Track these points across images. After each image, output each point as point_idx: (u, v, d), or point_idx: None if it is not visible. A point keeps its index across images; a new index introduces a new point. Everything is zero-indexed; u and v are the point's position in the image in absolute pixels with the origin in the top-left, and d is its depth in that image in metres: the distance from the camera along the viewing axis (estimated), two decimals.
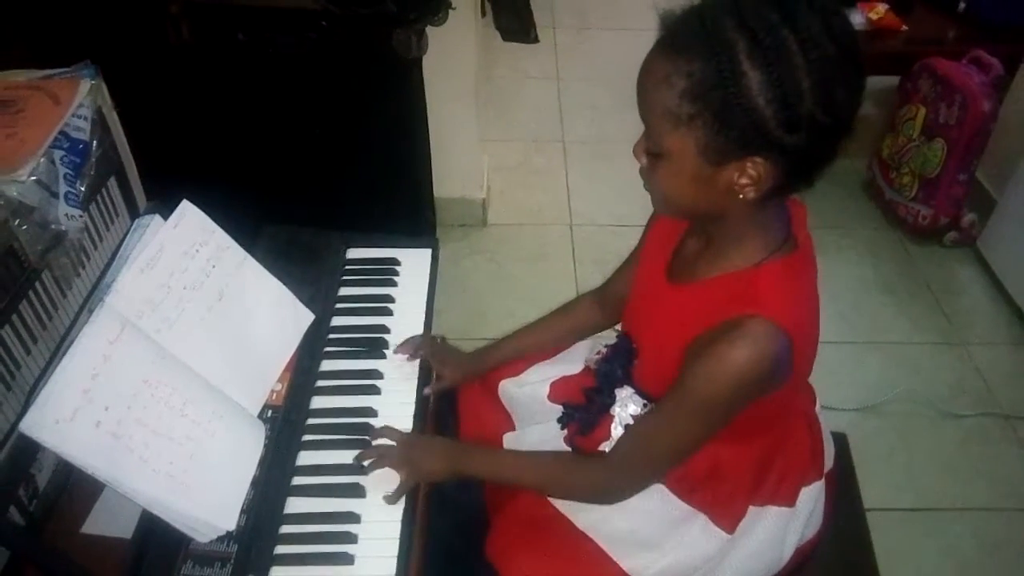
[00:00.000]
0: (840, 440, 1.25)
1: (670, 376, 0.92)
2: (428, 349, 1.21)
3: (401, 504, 1.00)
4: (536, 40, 2.32)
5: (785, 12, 0.76)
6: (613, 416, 1.07)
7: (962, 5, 2.60)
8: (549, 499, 1.09)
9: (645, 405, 1.05)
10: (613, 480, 1.00)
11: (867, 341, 2.25)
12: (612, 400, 1.08)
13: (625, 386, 1.07)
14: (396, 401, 1.14)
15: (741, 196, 0.83)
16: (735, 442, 1.00)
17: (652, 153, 0.86)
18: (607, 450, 1.07)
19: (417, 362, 1.19)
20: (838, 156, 0.84)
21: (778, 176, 0.81)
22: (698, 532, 1.04)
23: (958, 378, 2.15)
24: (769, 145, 0.78)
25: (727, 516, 1.04)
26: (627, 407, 1.06)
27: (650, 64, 0.82)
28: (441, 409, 1.24)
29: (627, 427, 1.06)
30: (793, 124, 0.77)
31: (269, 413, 1.07)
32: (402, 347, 1.20)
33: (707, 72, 0.76)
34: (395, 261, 1.34)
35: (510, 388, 1.23)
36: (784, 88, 0.75)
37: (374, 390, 1.14)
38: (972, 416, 2.04)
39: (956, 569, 1.75)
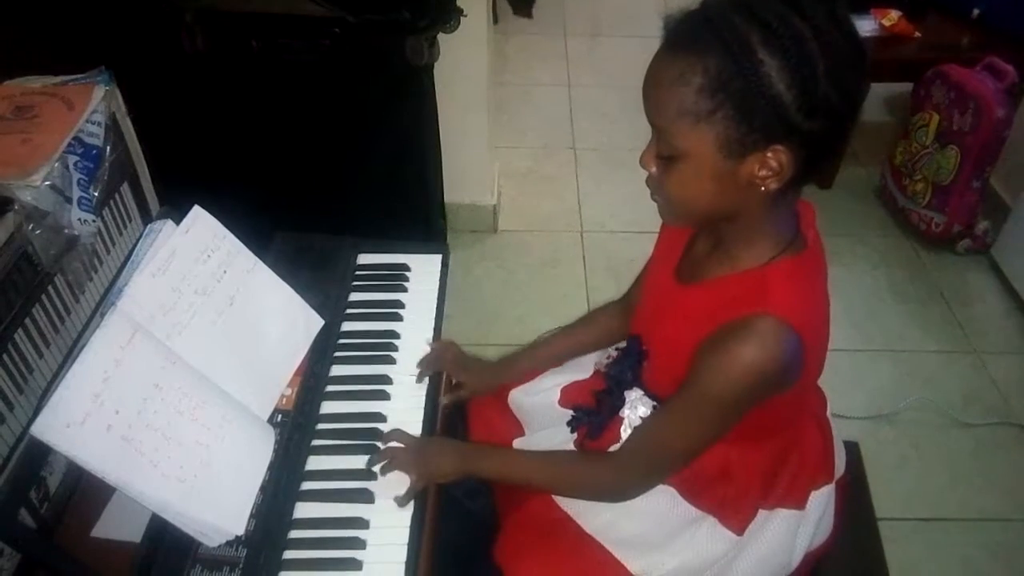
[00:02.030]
0: (852, 448, 1.24)
1: (680, 377, 0.92)
2: (449, 358, 1.21)
3: (409, 510, 1.00)
4: None
5: (792, 3, 0.77)
6: (623, 418, 1.07)
7: (976, 12, 2.59)
8: (558, 503, 1.08)
9: (655, 407, 1.05)
10: (621, 479, 1.00)
11: (880, 349, 2.24)
12: (622, 402, 1.07)
13: (635, 388, 1.07)
14: (406, 406, 1.14)
15: (763, 188, 0.83)
16: (745, 443, 1.00)
17: (665, 157, 0.86)
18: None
19: None
20: (846, 146, 0.84)
21: (797, 165, 0.82)
22: (706, 533, 1.03)
23: (971, 387, 2.13)
24: (789, 132, 0.79)
25: (736, 518, 1.03)
26: (637, 409, 1.06)
27: (659, 66, 0.82)
28: (451, 416, 1.24)
29: (635, 430, 1.05)
30: (812, 109, 0.78)
31: (279, 418, 1.07)
32: (421, 365, 1.19)
33: (724, 65, 0.77)
34: (405, 267, 1.34)
35: (519, 397, 1.23)
36: (803, 73, 0.76)
37: (384, 395, 1.14)
38: (985, 425, 2.02)
39: None
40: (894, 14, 2.58)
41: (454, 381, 1.23)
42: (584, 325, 1.27)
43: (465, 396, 1.23)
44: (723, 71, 0.77)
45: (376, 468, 1.03)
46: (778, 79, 0.76)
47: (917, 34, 2.58)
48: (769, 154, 0.81)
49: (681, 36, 0.81)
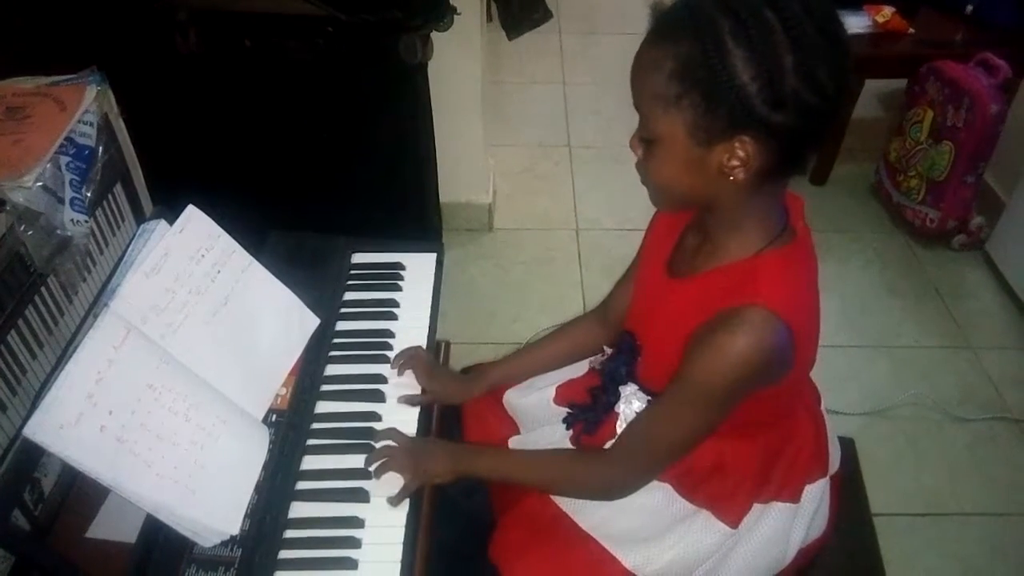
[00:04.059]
0: (847, 445, 1.24)
1: (673, 370, 0.93)
2: (417, 363, 1.18)
3: (405, 509, 1.00)
4: (549, 15, 2.28)
5: None
6: (618, 414, 1.07)
7: (969, 7, 2.59)
8: (553, 500, 1.09)
9: (649, 401, 1.05)
10: (616, 475, 1.01)
11: (875, 345, 2.24)
12: (616, 398, 1.08)
13: (629, 383, 1.07)
14: (400, 406, 1.13)
15: (732, 178, 0.84)
16: (739, 437, 1.01)
17: (646, 141, 0.88)
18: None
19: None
20: (824, 139, 0.85)
21: (767, 157, 0.82)
22: (701, 527, 1.04)
23: (967, 382, 2.14)
24: (756, 123, 0.80)
25: (731, 511, 1.03)
26: (631, 404, 1.06)
27: (641, 52, 0.85)
28: (446, 416, 1.24)
29: (629, 423, 1.06)
30: (778, 101, 0.78)
31: (273, 417, 1.07)
32: (396, 360, 1.18)
33: (693, 52, 0.79)
34: (400, 266, 1.34)
35: (514, 397, 1.23)
36: (767, 65, 0.77)
37: (378, 395, 1.14)
38: (981, 420, 2.03)
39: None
40: (888, 10, 2.58)
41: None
42: (562, 335, 1.26)
43: (425, 401, 1.17)
44: (692, 59, 0.79)
45: (371, 468, 1.03)
46: (743, 70, 0.77)
47: (911, 30, 2.58)
48: (736, 144, 0.82)
49: (663, 23, 0.83)
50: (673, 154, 0.85)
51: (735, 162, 0.83)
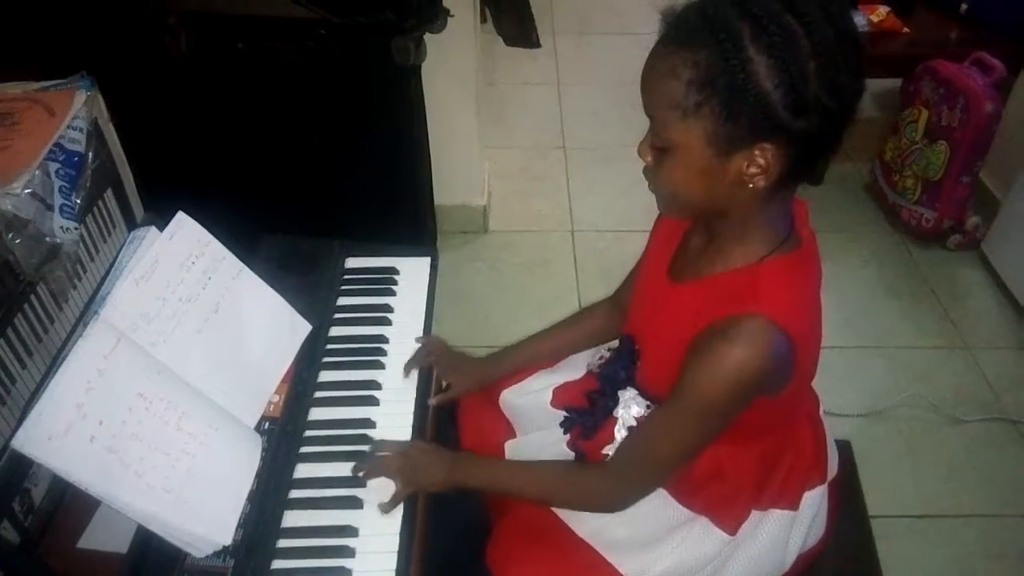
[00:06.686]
0: (844, 448, 1.24)
1: (673, 375, 0.92)
2: (436, 356, 1.20)
3: (399, 517, 1.00)
4: (538, 44, 2.36)
5: (786, 0, 0.77)
6: (616, 418, 1.06)
7: (964, 6, 2.59)
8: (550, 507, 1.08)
9: (648, 406, 1.04)
10: (616, 488, 1.00)
11: (871, 346, 2.24)
12: (615, 402, 1.07)
13: (628, 387, 1.06)
14: (395, 412, 1.13)
15: (751, 186, 0.83)
16: (739, 443, 1.00)
17: (658, 148, 0.86)
18: (610, 454, 1.06)
19: (416, 372, 1.19)
20: (841, 144, 0.84)
21: (787, 164, 0.81)
22: (699, 534, 1.03)
23: (964, 383, 2.13)
24: (777, 130, 0.79)
25: (729, 518, 1.03)
26: (630, 408, 1.05)
27: (655, 59, 0.83)
28: (441, 419, 1.23)
29: (629, 429, 1.05)
30: (801, 108, 0.77)
31: (266, 425, 1.06)
32: (411, 362, 1.18)
33: (713, 60, 0.77)
34: (394, 270, 1.33)
35: (511, 398, 1.22)
36: (791, 71, 0.76)
37: (372, 401, 1.13)
38: (978, 421, 2.02)
39: None
40: (883, 9, 2.58)
41: (444, 383, 1.23)
42: (572, 323, 1.26)
43: (454, 396, 1.22)
44: (712, 66, 0.77)
45: (359, 474, 1.02)
46: (765, 77, 0.76)
47: (906, 29, 2.58)
48: (757, 152, 0.80)
49: (677, 30, 0.82)
50: (689, 162, 0.84)
51: (754, 170, 0.82)
